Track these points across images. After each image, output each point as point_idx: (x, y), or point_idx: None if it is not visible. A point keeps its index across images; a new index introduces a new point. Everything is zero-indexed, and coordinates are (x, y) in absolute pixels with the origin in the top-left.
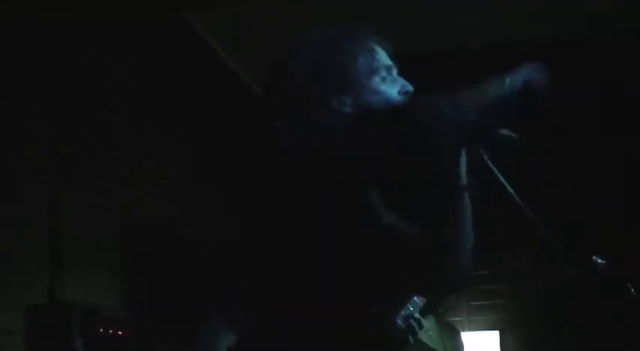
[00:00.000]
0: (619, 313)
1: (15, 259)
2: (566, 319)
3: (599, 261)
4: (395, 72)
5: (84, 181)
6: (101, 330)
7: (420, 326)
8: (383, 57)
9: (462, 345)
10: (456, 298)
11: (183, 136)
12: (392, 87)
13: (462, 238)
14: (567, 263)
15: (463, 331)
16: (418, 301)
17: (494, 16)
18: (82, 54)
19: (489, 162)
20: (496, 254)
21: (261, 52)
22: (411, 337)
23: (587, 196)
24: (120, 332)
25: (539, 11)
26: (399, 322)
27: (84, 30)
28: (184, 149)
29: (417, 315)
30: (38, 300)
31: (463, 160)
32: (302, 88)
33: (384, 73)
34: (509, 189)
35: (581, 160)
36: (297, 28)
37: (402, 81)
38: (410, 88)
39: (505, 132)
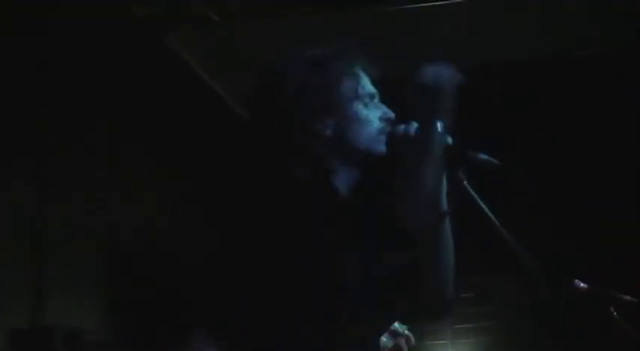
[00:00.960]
0: (602, 335)
1: None
2: (549, 342)
3: (581, 285)
4: (377, 99)
5: (65, 205)
6: None
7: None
8: (366, 83)
9: None
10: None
11: (164, 158)
12: (374, 113)
13: (443, 263)
14: (546, 286)
15: None
16: (398, 326)
17: (472, 39)
18: (71, 75)
19: (468, 187)
20: (479, 277)
21: (243, 75)
22: None
23: (568, 219)
24: None
25: (516, 32)
26: (385, 339)
27: (69, 56)
28: (165, 172)
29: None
30: (21, 324)
31: (443, 185)
32: (286, 110)
33: (366, 99)
34: (489, 212)
35: (560, 182)
36: (281, 51)
37: (383, 108)
38: (391, 114)
39: (484, 157)
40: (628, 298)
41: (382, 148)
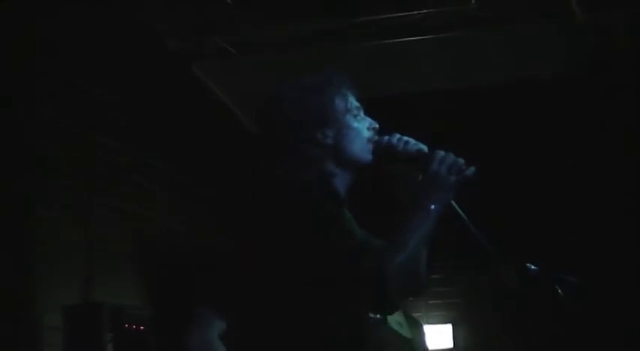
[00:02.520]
0: (549, 309)
1: (55, 268)
2: (506, 314)
3: (532, 267)
4: (362, 112)
5: (110, 204)
6: (126, 325)
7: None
8: (353, 100)
9: (424, 334)
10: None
11: (188, 169)
12: (362, 123)
13: (424, 253)
14: (504, 269)
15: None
16: None
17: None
18: (100, 96)
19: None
20: (448, 262)
21: (255, 95)
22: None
23: (524, 215)
24: (142, 327)
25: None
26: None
27: (108, 79)
28: (189, 179)
29: None
30: (74, 301)
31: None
32: (292, 124)
33: (355, 112)
34: (455, 206)
35: (514, 183)
36: (283, 76)
37: (369, 119)
38: (376, 125)
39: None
40: (571, 278)
41: (369, 156)
